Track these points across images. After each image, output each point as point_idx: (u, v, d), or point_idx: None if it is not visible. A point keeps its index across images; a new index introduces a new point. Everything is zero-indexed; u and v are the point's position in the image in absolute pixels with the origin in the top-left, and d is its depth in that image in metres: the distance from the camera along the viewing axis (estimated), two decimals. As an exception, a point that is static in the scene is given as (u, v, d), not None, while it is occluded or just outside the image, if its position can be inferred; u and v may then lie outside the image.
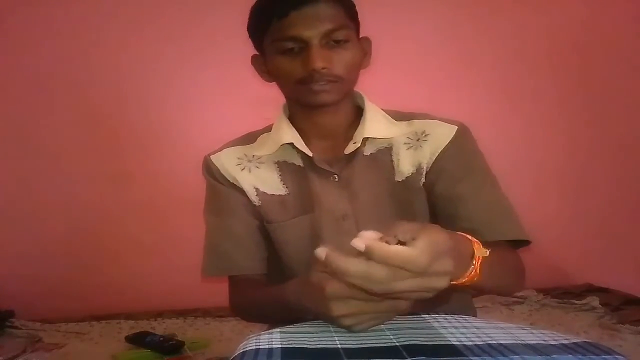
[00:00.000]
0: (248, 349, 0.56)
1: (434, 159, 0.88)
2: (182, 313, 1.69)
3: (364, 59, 0.88)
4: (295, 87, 0.83)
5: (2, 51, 1.72)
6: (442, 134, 0.89)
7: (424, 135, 0.90)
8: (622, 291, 1.69)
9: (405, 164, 0.89)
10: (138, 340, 1.42)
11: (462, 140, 0.89)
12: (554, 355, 0.50)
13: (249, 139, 0.97)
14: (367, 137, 0.88)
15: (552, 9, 1.86)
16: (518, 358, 0.46)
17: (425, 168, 0.89)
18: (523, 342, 0.55)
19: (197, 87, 1.77)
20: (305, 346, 0.56)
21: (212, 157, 0.96)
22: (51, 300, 1.71)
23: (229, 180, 0.93)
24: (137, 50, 1.75)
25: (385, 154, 0.90)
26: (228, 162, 0.94)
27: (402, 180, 0.89)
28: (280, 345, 0.56)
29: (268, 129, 0.96)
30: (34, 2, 1.70)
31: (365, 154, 0.89)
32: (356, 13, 0.86)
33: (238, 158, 0.94)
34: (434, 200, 0.88)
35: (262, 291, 0.86)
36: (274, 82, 0.89)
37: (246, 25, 0.88)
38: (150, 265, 1.76)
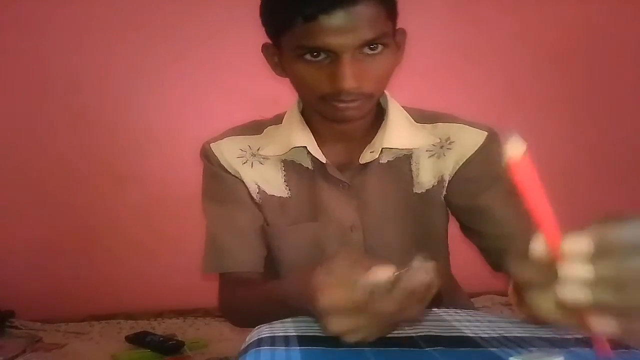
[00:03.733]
0: (263, 335, 0.55)
1: (457, 168, 0.81)
2: (182, 313, 1.69)
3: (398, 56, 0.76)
4: (317, 102, 0.73)
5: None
6: (468, 142, 0.81)
7: (448, 142, 0.81)
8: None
9: (426, 175, 0.82)
10: (138, 340, 1.43)
11: (491, 147, 0.81)
12: (572, 348, 0.50)
13: (255, 128, 0.88)
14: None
15: (558, 8, 1.86)
16: (536, 350, 0.45)
17: (447, 180, 0.81)
18: (538, 336, 0.54)
19: (195, 87, 1.77)
20: (321, 334, 0.55)
21: (212, 145, 0.86)
22: (51, 300, 1.71)
23: (230, 172, 0.85)
24: (135, 50, 1.74)
25: (404, 163, 0.82)
26: (229, 152, 0.85)
27: (422, 192, 0.82)
28: (295, 333, 0.56)
29: (277, 120, 0.87)
30: (30, 1, 1.70)
31: (381, 161, 0.81)
32: (396, 3, 0.73)
33: (241, 150, 0.85)
34: (454, 212, 0.82)
35: (257, 289, 0.79)
36: (286, 78, 0.78)
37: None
38: (150, 265, 1.75)
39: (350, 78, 0.67)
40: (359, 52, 0.68)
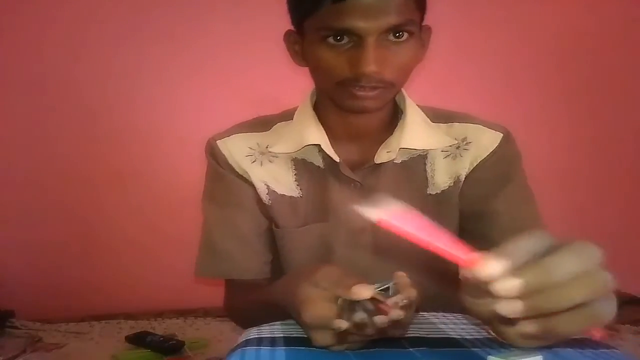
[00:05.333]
0: (251, 337, 0.56)
1: (472, 169, 0.80)
2: (182, 313, 1.69)
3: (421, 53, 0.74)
4: (334, 88, 0.70)
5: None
6: (485, 143, 0.80)
7: (464, 142, 0.80)
8: (621, 291, 1.68)
9: (442, 176, 0.80)
10: (138, 340, 1.42)
11: (505, 149, 0.81)
12: (555, 349, 0.51)
13: (263, 125, 0.84)
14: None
15: (558, 7, 1.86)
16: (516, 350, 0.46)
17: (462, 181, 0.80)
18: None
19: (197, 86, 1.77)
20: (307, 336, 0.56)
21: (219, 142, 0.82)
22: (51, 300, 1.71)
23: (237, 172, 0.81)
24: (136, 50, 1.74)
25: (418, 163, 0.80)
26: (237, 151, 0.81)
27: (437, 193, 0.80)
28: (282, 335, 0.56)
29: (287, 116, 0.84)
30: (30, 2, 1.70)
31: (395, 161, 0.79)
32: None
33: (250, 148, 0.81)
34: (460, 214, 0.81)
35: (257, 292, 0.77)
36: (305, 68, 0.76)
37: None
38: (151, 265, 1.75)
39: (372, 62, 0.65)
40: (383, 38, 0.66)
